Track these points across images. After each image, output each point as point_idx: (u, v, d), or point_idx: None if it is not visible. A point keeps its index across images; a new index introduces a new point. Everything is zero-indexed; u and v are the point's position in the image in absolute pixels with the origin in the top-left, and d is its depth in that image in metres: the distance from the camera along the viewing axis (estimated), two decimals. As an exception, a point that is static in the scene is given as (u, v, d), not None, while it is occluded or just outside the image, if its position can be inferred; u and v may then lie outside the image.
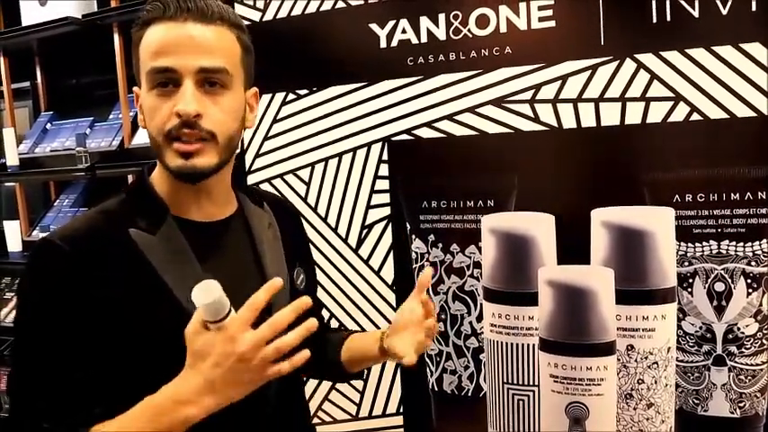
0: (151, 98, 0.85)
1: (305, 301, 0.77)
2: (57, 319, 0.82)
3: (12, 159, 2.42)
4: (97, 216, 0.89)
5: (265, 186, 1.59)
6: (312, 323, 0.76)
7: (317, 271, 1.55)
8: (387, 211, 1.49)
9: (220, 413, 0.79)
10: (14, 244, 2.45)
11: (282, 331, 0.78)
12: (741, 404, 1.23)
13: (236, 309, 0.80)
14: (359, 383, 1.54)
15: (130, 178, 2.16)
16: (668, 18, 1.19)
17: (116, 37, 2.07)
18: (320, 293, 1.56)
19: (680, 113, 1.22)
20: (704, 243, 1.23)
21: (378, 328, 1.50)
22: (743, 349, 1.22)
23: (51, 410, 0.81)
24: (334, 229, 1.54)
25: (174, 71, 0.83)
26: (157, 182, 0.92)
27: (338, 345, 1.11)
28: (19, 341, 0.85)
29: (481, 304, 1.40)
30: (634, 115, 1.25)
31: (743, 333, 1.22)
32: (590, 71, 1.27)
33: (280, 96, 1.56)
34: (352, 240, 1.53)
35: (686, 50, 1.20)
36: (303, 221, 1.17)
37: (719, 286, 1.23)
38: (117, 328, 0.82)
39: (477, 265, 1.40)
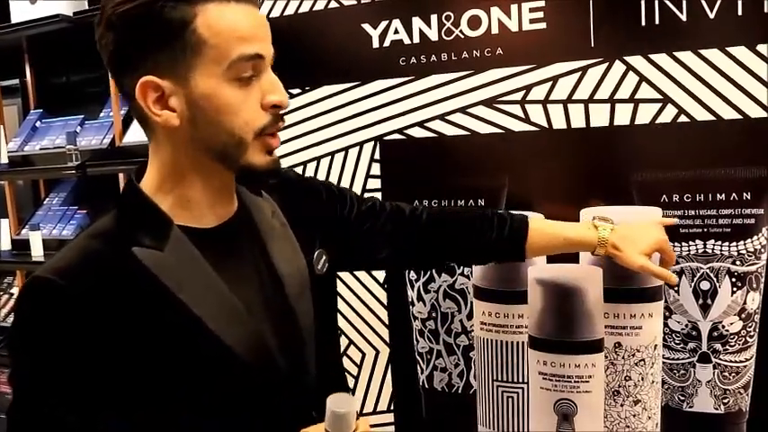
0: (233, 91, 0.74)
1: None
2: (63, 370, 0.72)
3: (0, 157, 2.41)
4: (89, 241, 0.78)
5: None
6: None
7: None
8: (378, 209, 1.50)
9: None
10: (3, 243, 2.44)
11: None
12: (725, 400, 1.26)
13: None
14: (350, 381, 1.54)
15: (121, 177, 2.16)
16: (657, 21, 1.21)
17: (107, 35, 2.07)
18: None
19: (668, 115, 1.24)
20: (690, 242, 1.25)
21: (368, 325, 1.51)
22: (727, 347, 1.24)
23: None
24: (326, 228, 1.55)
25: (263, 58, 0.75)
26: (153, 190, 0.81)
27: (517, 228, 1.11)
28: (21, 402, 0.74)
29: (471, 302, 1.41)
30: (623, 116, 1.26)
31: (727, 331, 1.24)
32: (580, 73, 1.29)
33: (272, 95, 1.56)
34: (344, 239, 1.53)
35: (674, 53, 1.22)
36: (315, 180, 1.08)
37: (705, 285, 1.25)
38: (134, 363, 0.73)
39: (468, 263, 1.42)
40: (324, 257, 0.95)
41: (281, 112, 0.78)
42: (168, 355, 0.75)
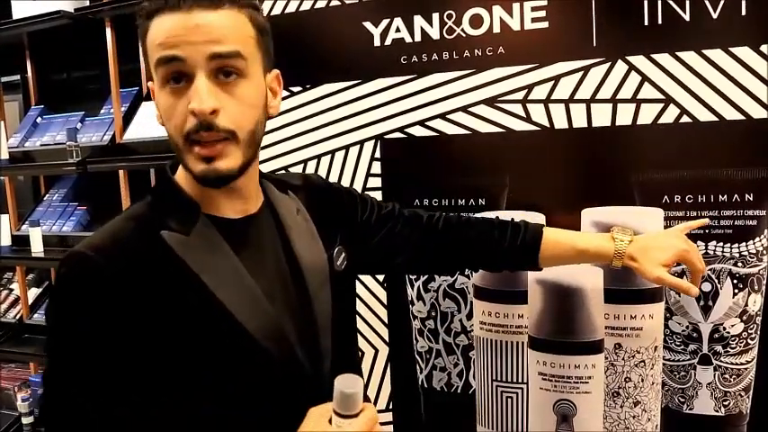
0: (165, 96, 0.80)
1: None
2: (98, 340, 0.76)
3: (1, 153, 2.41)
4: (125, 223, 0.84)
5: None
6: None
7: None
8: (379, 208, 1.50)
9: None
10: (3, 238, 2.44)
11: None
12: (726, 402, 1.25)
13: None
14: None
15: (122, 173, 2.16)
16: (660, 21, 1.21)
17: (108, 31, 2.07)
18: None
19: (670, 115, 1.23)
20: (692, 244, 1.24)
21: (368, 324, 1.51)
22: (728, 349, 1.24)
23: None
24: (326, 226, 1.54)
25: (183, 61, 0.77)
26: (184, 180, 0.86)
27: (531, 238, 1.11)
28: (57, 369, 0.79)
29: (471, 302, 1.41)
30: (625, 116, 1.26)
31: (728, 333, 1.24)
32: (582, 72, 1.28)
33: (273, 93, 1.56)
34: (344, 237, 1.53)
35: (677, 53, 1.21)
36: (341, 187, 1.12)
37: (706, 286, 1.24)
38: (157, 344, 0.77)
39: (468, 263, 1.41)
40: (343, 254, 0.99)
41: (203, 119, 0.78)
42: (190, 338, 0.79)
